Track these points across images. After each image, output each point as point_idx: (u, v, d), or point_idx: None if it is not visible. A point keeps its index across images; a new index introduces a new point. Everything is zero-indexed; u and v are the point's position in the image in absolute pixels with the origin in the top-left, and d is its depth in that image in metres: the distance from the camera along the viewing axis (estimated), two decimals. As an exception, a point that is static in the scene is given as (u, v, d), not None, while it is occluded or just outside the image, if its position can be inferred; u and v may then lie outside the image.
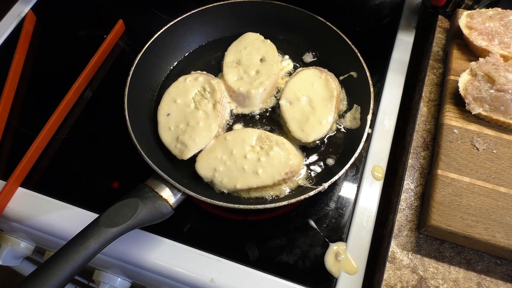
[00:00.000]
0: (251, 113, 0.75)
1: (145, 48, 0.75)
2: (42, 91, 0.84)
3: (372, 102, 0.70)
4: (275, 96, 0.77)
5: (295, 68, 0.81)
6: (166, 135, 0.70)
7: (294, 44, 0.83)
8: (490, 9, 0.79)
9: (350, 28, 0.79)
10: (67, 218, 0.68)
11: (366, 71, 0.72)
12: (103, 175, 0.74)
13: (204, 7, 0.80)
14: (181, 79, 0.75)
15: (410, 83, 0.86)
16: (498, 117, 0.66)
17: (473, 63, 0.71)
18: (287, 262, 0.66)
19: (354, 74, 0.75)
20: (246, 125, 0.74)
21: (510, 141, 0.66)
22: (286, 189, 0.67)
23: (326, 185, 0.62)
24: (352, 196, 0.71)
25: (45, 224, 0.68)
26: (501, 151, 0.65)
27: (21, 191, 0.71)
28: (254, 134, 0.68)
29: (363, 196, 0.70)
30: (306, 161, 0.70)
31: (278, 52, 0.80)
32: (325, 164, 0.70)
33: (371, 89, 0.71)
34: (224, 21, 0.83)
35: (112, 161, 0.76)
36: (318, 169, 0.70)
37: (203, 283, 0.64)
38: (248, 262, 0.65)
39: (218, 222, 0.70)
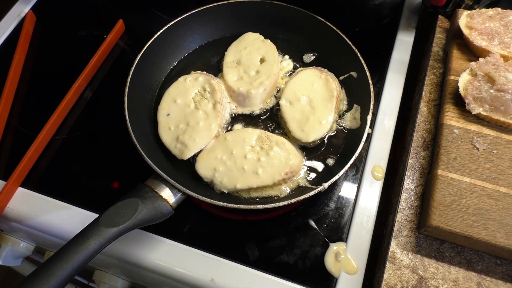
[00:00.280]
0: (251, 113, 0.75)
1: (145, 48, 0.75)
2: (42, 91, 0.84)
3: (372, 102, 0.70)
4: (275, 96, 0.77)
5: (295, 68, 0.81)
6: (166, 135, 0.70)
7: (294, 44, 0.83)
8: (490, 9, 0.79)
9: (350, 28, 0.79)
10: (67, 218, 0.68)
11: (366, 71, 0.72)
12: (103, 175, 0.74)
13: (204, 7, 0.80)
14: (181, 79, 0.75)
15: (410, 83, 0.86)
16: (498, 117, 0.66)
17: (473, 63, 0.71)
18: (287, 262, 0.66)
19: (354, 74, 0.75)
20: (246, 125, 0.74)
21: (510, 141, 0.66)
22: (286, 189, 0.67)
23: (326, 185, 0.62)
24: (352, 196, 0.71)
25: (45, 224, 0.68)
26: (501, 151, 0.65)
27: (21, 191, 0.71)
28: (254, 134, 0.68)
29: (363, 196, 0.70)
30: (306, 161, 0.70)
31: (278, 52, 0.80)
32: (325, 164, 0.70)
33: (371, 89, 0.71)
34: (224, 21, 0.83)
35: (112, 161, 0.76)
36: (318, 169, 0.70)
37: (203, 283, 0.64)
38: (248, 262, 0.65)
39: (218, 222, 0.70)
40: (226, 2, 0.81)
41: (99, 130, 0.79)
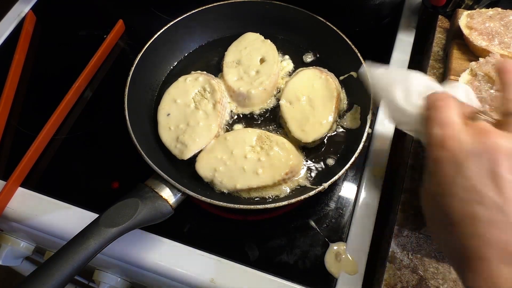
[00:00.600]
0: (251, 113, 0.75)
1: (145, 48, 0.75)
2: (42, 91, 0.84)
3: (372, 102, 0.70)
4: (275, 96, 0.77)
5: (295, 68, 0.80)
6: (166, 135, 0.70)
7: (294, 44, 0.83)
8: (490, 9, 0.79)
9: (350, 28, 0.79)
10: (67, 218, 0.68)
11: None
12: (103, 175, 0.74)
13: (204, 7, 0.80)
14: (181, 79, 0.75)
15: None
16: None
17: (473, 63, 0.71)
18: (287, 262, 0.66)
19: (354, 74, 0.75)
20: (246, 125, 0.74)
21: (510, 141, 0.66)
22: (286, 189, 0.67)
23: (326, 185, 0.62)
24: (352, 196, 0.71)
25: (45, 224, 0.68)
26: (501, 151, 0.65)
27: (21, 191, 0.71)
28: (254, 134, 0.68)
29: (363, 196, 0.70)
30: (306, 161, 0.70)
31: (278, 52, 0.80)
32: (325, 164, 0.70)
33: (371, 89, 0.71)
34: (224, 21, 0.83)
35: (112, 161, 0.76)
36: (318, 169, 0.70)
37: (203, 283, 0.64)
38: (248, 262, 0.65)
39: (218, 222, 0.70)
40: (226, 2, 0.81)
41: (99, 130, 0.79)
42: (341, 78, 0.77)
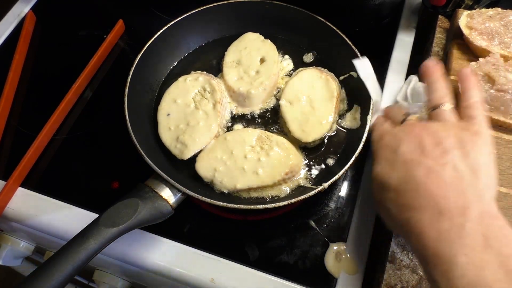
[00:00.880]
0: (251, 113, 0.75)
1: (145, 48, 0.75)
2: (42, 91, 0.84)
3: (372, 102, 0.70)
4: (275, 96, 0.77)
5: (295, 68, 0.80)
6: (166, 135, 0.70)
7: (294, 44, 0.83)
8: (490, 9, 0.79)
9: (350, 28, 0.79)
10: (67, 218, 0.68)
11: (366, 71, 0.72)
12: (103, 175, 0.74)
13: (204, 7, 0.80)
14: (181, 79, 0.75)
15: (410, 83, 0.86)
16: (498, 117, 0.66)
17: (473, 63, 0.71)
18: (287, 262, 0.66)
19: (354, 74, 0.75)
20: (246, 125, 0.74)
21: (510, 141, 0.66)
22: (286, 189, 0.67)
23: (326, 185, 0.62)
24: (352, 196, 0.71)
25: (45, 224, 0.68)
26: (501, 151, 0.65)
27: (21, 191, 0.71)
28: (254, 134, 0.68)
29: (363, 196, 0.70)
30: (306, 161, 0.70)
31: (278, 52, 0.80)
32: (325, 164, 0.70)
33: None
34: (224, 21, 0.83)
35: (112, 161, 0.76)
36: (318, 169, 0.70)
37: (203, 283, 0.64)
38: (248, 262, 0.65)
39: (218, 222, 0.70)
40: (226, 2, 0.81)
41: (99, 130, 0.79)
42: (341, 78, 0.77)
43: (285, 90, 0.74)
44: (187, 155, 0.68)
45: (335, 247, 0.66)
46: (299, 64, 0.81)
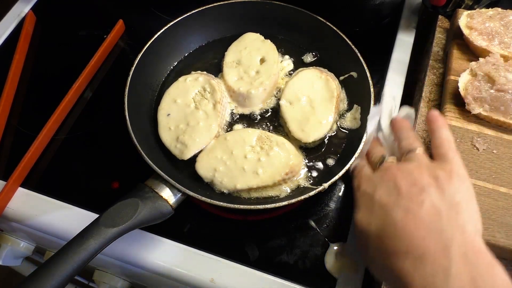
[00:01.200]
0: (251, 113, 0.75)
1: (145, 48, 0.75)
2: (42, 91, 0.84)
3: (372, 102, 0.70)
4: (275, 96, 0.77)
5: (295, 68, 0.80)
6: (166, 135, 0.70)
7: (294, 44, 0.83)
8: (490, 9, 0.79)
9: (350, 28, 0.79)
10: (67, 218, 0.68)
11: (366, 71, 0.72)
12: (103, 175, 0.74)
13: (204, 7, 0.80)
14: (181, 79, 0.75)
15: (410, 83, 0.86)
16: (498, 117, 0.66)
17: (473, 63, 0.71)
18: (287, 262, 0.66)
19: (354, 74, 0.75)
20: (246, 125, 0.74)
21: (510, 141, 0.66)
22: (286, 189, 0.67)
23: (326, 185, 0.62)
24: (352, 196, 0.71)
25: (45, 224, 0.68)
26: (501, 151, 0.65)
27: (21, 191, 0.71)
28: (254, 134, 0.68)
29: (363, 196, 0.70)
30: (306, 161, 0.70)
31: (278, 52, 0.80)
32: (325, 164, 0.70)
33: (371, 89, 0.71)
34: (224, 21, 0.83)
35: (112, 161, 0.76)
36: (318, 169, 0.70)
37: (203, 283, 0.64)
38: (248, 262, 0.65)
39: (218, 222, 0.70)
40: (226, 2, 0.81)
41: (99, 130, 0.79)
42: (341, 78, 0.77)
43: (285, 90, 0.74)
44: (187, 155, 0.68)
45: (335, 247, 0.66)
46: (299, 64, 0.81)
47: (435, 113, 0.54)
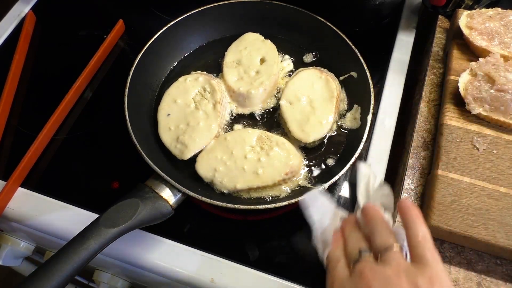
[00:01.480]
0: (251, 113, 0.75)
1: (145, 48, 0.75)
2: (42, 91, 0.84)
3: (372, 102, 0.70)
4: (275, 96, 0.77)
5: (295, 68, 0.80)
6: (166, 135, 0.70)
7: (294, 44, 0.83)
8: (490, 9, 0.79)
9: (350, 28, 0.79)
10: (67, 218, 0.68)
11: (366, 71, 0.72)
12: (103, 175, 0.74)
13: (204, 7, 0.80)
14: (181, 79, 0.75)
15: (410, 83, 0.86)
16: (498, 117, 0.66)
17: (473, 63, 0.71)
18: (287, 262, 0.66)
19: (354, 74, 0.75)
20: (246, 125, 0.74)
21: (510, 141, 0.66)
22: (286, 189, 0.67)
23: (326, 185, 0.62)
24: (352, 196, 0.71)
25: (45, 224, 0.68)
26: (501, 151, 0.65)
27: (21, 191, 0.71)
28: (254, 134, 0.68)
29: (363, 196, 0.70)
30: (306, 161, 0.70)
31: (278, 52, 0.80)
32: (325, 164, 0.70)
33: (371, 89, 0.71)
34: (224, 21, 0.83)
35: (112, 161, 0.76)
36: (318, 169, 0.70)
37: (203, 283, 0.64)
38: (248, 262, 0.65)
39: (218, 222, 0.70)
40: (226, 2, 0.81)
41: (99, 130, 0.79)
42: (341, 78, 0.77)
43: (285, 90, 0.74)
44: (187, 155, 0.68)
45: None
46: (299, 64, 0.81)
47: (407, 203, 0.49)
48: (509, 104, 0.65)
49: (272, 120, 0.75)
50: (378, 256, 0.46)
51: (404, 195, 0.68)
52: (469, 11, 0.78)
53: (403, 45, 0.87)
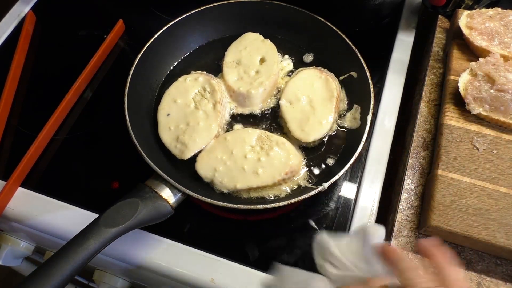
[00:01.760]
0: (251, 113, 0.75)
1: (145, 48, 0.75)
2: (42, 91, 0.84)
3: (372, 102, 0.70)
4: (275, 96, 0.77)
5: (295, 68, 0.80)
6: (166, 135, 0.70)
7: (294, 44, 0.83)
8: (490, 9, 0.79)
9: (350, 28, 0.79)
10: (67, 218, 0.68)
11: (366, 71, 0.72)
12: (103, 175, 0.74)
13: (204, 7, 0.80)
14: (181, 79, 0.75)
15: (410, 83, 0.86)
16: (498, 117, 0.66)
17: (473, 63, 0.71)
18: (287, 262, 0.66)
19: (354, 74, 0.75)
20: (246, 125, 0.74)
21: (510, 141, 0.66)
22: (286, 189, 0.67)
23: (326, 185, 0.62)
24: (352, 196, 0.71)
25: (45, 224, 0.68)
26: (501, 151, 0.65)
27: (21, 191, 0.71)
28: (254, 134, 0.68)
29: (363, 196, 0.70)
30: (306, 161, 0.70)
31: (278, 52, 0.80)
32: (325, 164, 0.70)
33: (371, 89, 0.71)
34: (224, 21, 0.83)
35: (112, 161, 0.76)
36: (318, 169, 0.70)
37: (203, 283, 0.64)
38: (248, 262, 0.65)
39: (218, 222, 0.70)
40: (226, 2, 0.81)
41: (99, 130, 0.79)
42: (341, 78, 0.77)
43: (285, 90, 0.74)
44: (187, 155, 0.68)
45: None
46: (299, 64, 0.81)
47: (389, 249, 0.44)
48: (509, 104, 0.65)
49: (272, 120, 0.75)
50: None
51: (404, 195, 0.68)
52: (469, 11, 0.78)
53: (403, 45, 0.87)
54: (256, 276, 0.64)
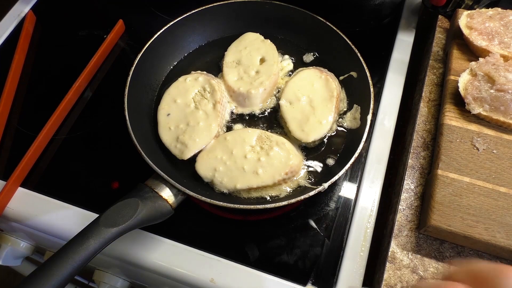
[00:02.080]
0: (251, 113, 0.75)
1: (145, 48, 0.75)
2: (42, 91, 0.84)
3: (372, 102, 0.70)
4: (275, 96, 0.77)
5: (295, 68, 0.81)
6: (166, 135, 0.70)
7: (294, 44, 0.83)
8: (490, 9, 0.79)
9: (350, 28, 0.79)
10: (67, 218, 0.68)
11: (366, 71, 0.72)
12: (103, 175, 0.74)
13: (204, 7, 0.80)
14: (181, 79, 0.75)
15: (410, 83, 0.86)
16: (498, 117, 0.66)
17: (473, 63, 0.71)
18: (287, 262, 0.66)
19: (354, 74, 0.75)
20: (246, 125, 0.74)
21: (510, 141, 0.66)
22: (286, 189, 0.67)
23: (326, 185, 0.62)
24: (352, 196, 0.71)
25: (45, 224, 0.68)
26: (501, 151, 0.65)
27: (21, 191, 0.71)
28: (254, 134, 0.68)
29: (363, 196, 0.70)
30: (306, 161, 0.70)
31: (278, 52, 0.80)
32: (325, 164, 0.70)
33: (371, 89, 0.71)
34: (224, 21, 0.83)
35: (112, 161, 0.76)
36: (318, 169, 0.70)
37: (203, 283, 0.64)
38: (248, 262, 0.65)
39: (218, 222, 0.70)
40: (226, 2, 0.81)
41: (99, 130, 0.79)
42: (341, 78, 0.77)
43: (285, 90, 0.74)
44: (187, 155, 0.68)
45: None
46: (299, 64, 0.81)
47: None
48: (509, 104, 0.65)
49: (272, 120, 0.75)
50: None
51: (404, 195, 0.68)
52: (469, 11, 0.78)
53: (403, 45, 0.87)
54: (256, 276, 0.64)
